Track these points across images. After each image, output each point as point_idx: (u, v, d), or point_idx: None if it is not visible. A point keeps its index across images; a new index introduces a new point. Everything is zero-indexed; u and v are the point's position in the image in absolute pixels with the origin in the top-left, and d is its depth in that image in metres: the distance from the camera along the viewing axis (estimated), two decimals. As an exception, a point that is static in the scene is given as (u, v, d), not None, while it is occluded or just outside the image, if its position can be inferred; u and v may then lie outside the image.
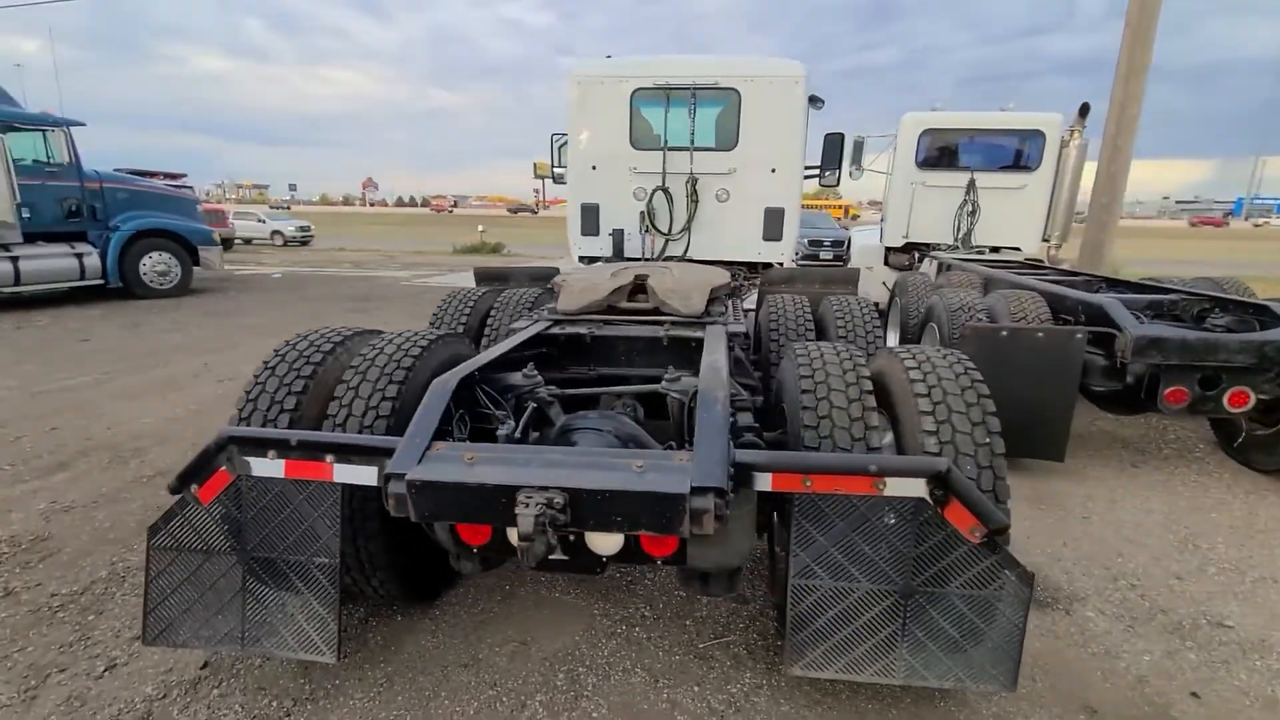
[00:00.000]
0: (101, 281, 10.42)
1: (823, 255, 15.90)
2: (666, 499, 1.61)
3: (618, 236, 6.28)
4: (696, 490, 1.62)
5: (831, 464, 1.80)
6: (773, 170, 6.04)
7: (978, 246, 8.14)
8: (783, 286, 5.03)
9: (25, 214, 9.50)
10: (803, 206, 6.80)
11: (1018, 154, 8.15)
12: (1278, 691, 2.31)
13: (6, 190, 9.17)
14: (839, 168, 6.73)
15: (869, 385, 2.19)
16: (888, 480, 1.77)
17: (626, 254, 6.35)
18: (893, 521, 1.81)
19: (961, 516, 1.76)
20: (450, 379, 2.08)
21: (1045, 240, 8.30)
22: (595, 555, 1.87)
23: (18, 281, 9.48)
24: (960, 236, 8.15)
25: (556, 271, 4.80)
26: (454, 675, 2.29)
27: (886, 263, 9.04)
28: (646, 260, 6.26)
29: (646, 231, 6.27)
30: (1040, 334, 3.87)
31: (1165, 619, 2.73)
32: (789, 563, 1.89)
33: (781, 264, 6.23)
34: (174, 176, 25.87)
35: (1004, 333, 3.90)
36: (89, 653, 2.37)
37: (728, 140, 6.11)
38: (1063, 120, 7.90)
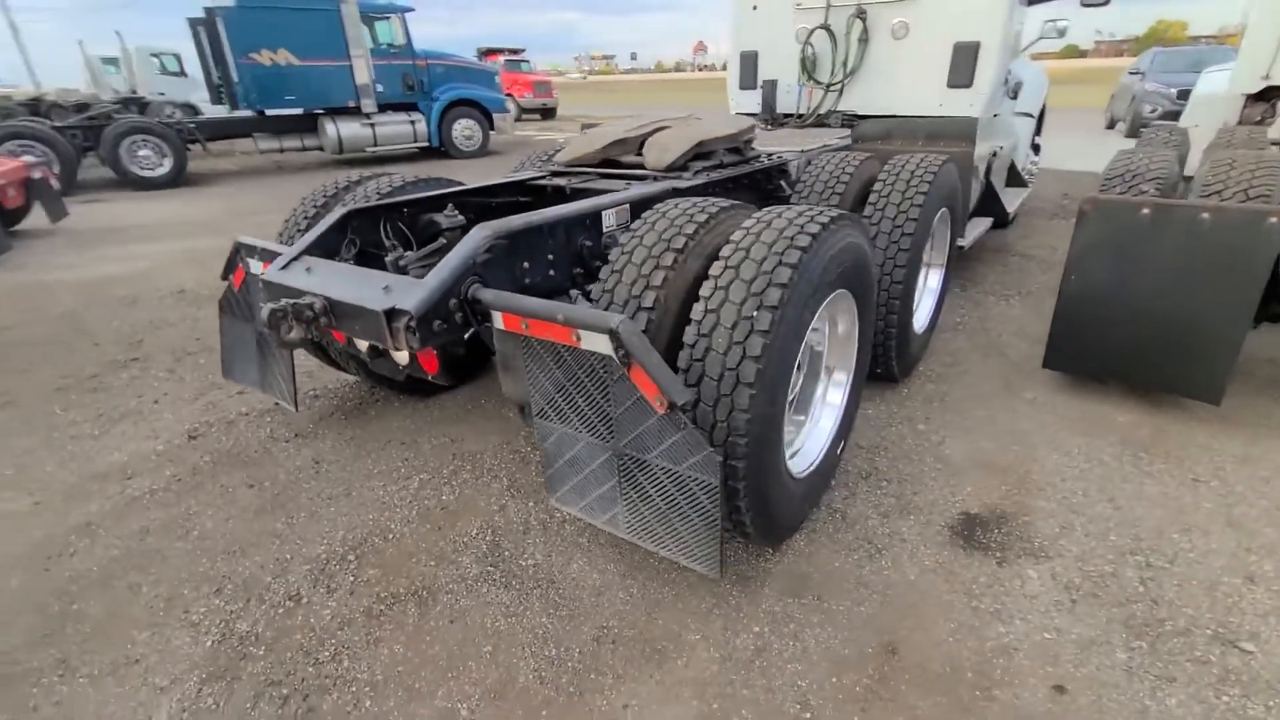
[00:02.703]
0: (427, 144, 13.28)
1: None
2: (372, 314, 1.88)
3: (768, 90, 5.65)
4: (391, 312, 1.85)
5: (535, 310, 1.81)
6: None
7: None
8: (877, 142, 4.09)
9: (379, 88, 12.42)
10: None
11: None
12: (1201, 729, 1.64)
13: (367, 70, 12.06)
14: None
15: (679, 244, 1.98)
16: (580, 333, 1.72)
17: (780, 109, 5.73)
18: (590, 376, 1.78)
19: (645, 382, 1.65)
20: (351, 208, 2.54)
21: None
22: (394, 363, 2.24)
23: (375, 143, 12.70)
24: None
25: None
26: (393, 449, 2.99)
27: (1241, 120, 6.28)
28: (760, 117, 5.59)
29: (804, 83, 5.53)
30: (1206, 214, 2.62)
31: (1125, 611, 2.01)
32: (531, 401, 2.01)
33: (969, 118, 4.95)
34: (515, 52, 30.05)
35: (1144, 210, 2.74)
36: (181, 389, 3.66)
37: None
38: None
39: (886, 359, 3.11)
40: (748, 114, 6.03)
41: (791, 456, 2.27)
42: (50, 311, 5.09)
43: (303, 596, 2.15)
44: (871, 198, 3.00)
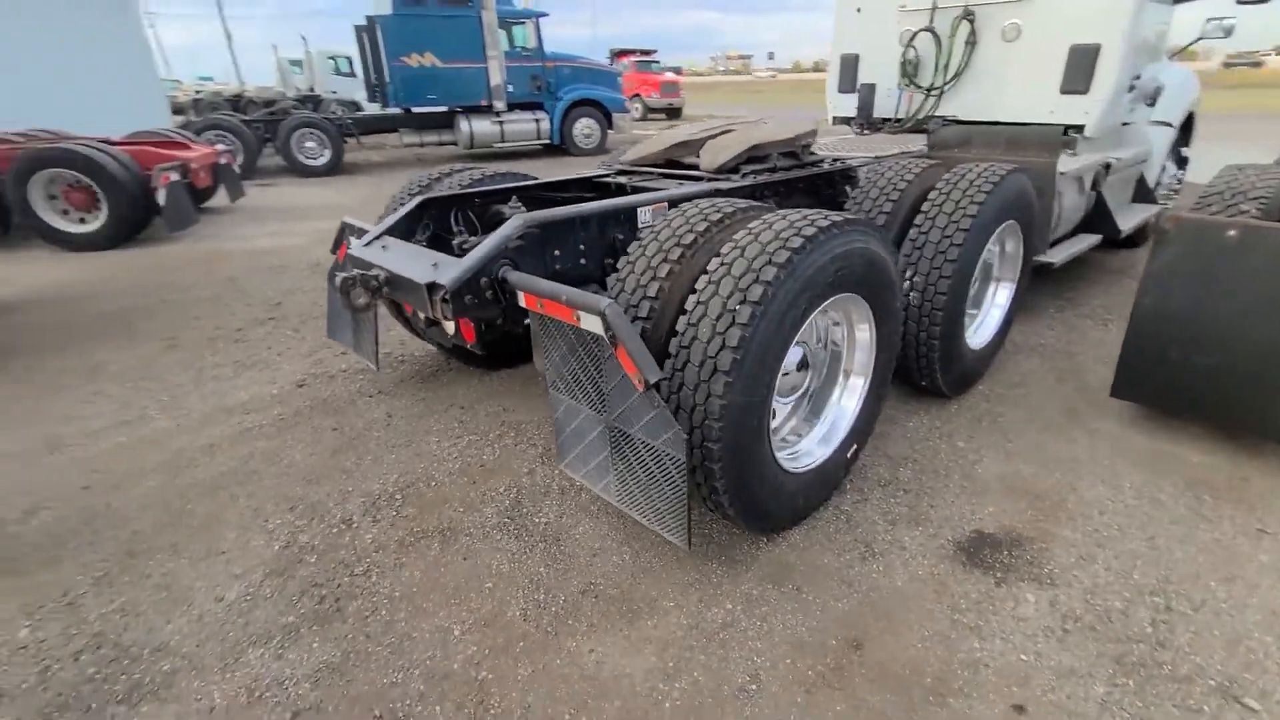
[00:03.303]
0: (549, 141, 14.06)
1: None
2: (417, 286, 2.21)
3: (864, 94, 5.52)
4: (431, 285, 2.17)
5: (546, 291, 2.04)
6: None
7: None
8: (955, 149, 3.87)
9: (509, 88, 13.34)
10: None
11: None
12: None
13: (500, 71, 13.00)
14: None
15: (688, 240, 2.14)
16: (580, 313, 1.94)
17: (876, 114, 5.59)
18: (588, 354, 1.99)
19: (627, 362, 1.84)
20: (426, 197, 2.93)
21: None
22: (444, 332, 2.58)
23: (502, 140, 13.64)
24: None
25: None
26: (453, 411, 3.38)
27: None
28: (856, 122, 5.43)
29: (904, 87, 5.36)
30: (1302, 239, 2.35)
31: (1121, 648, 1.91)
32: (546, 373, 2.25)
33: (1082, 127, 4.59)
34: (646, 53, 30.76)
35: (1231, 232, 2.49)
36: (301, 345, 4.23)
37: None
38: None
39: (929, 372, 3.05)
40: (845, 119, 5.97)
41: (789, 451, 2.35)
42: (220, 274, 6.09)
43: (354, 522, 2.55)
44: (925, 206, 2.94)
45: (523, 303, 2.19)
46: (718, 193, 2.89)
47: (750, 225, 2.07)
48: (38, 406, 3.56)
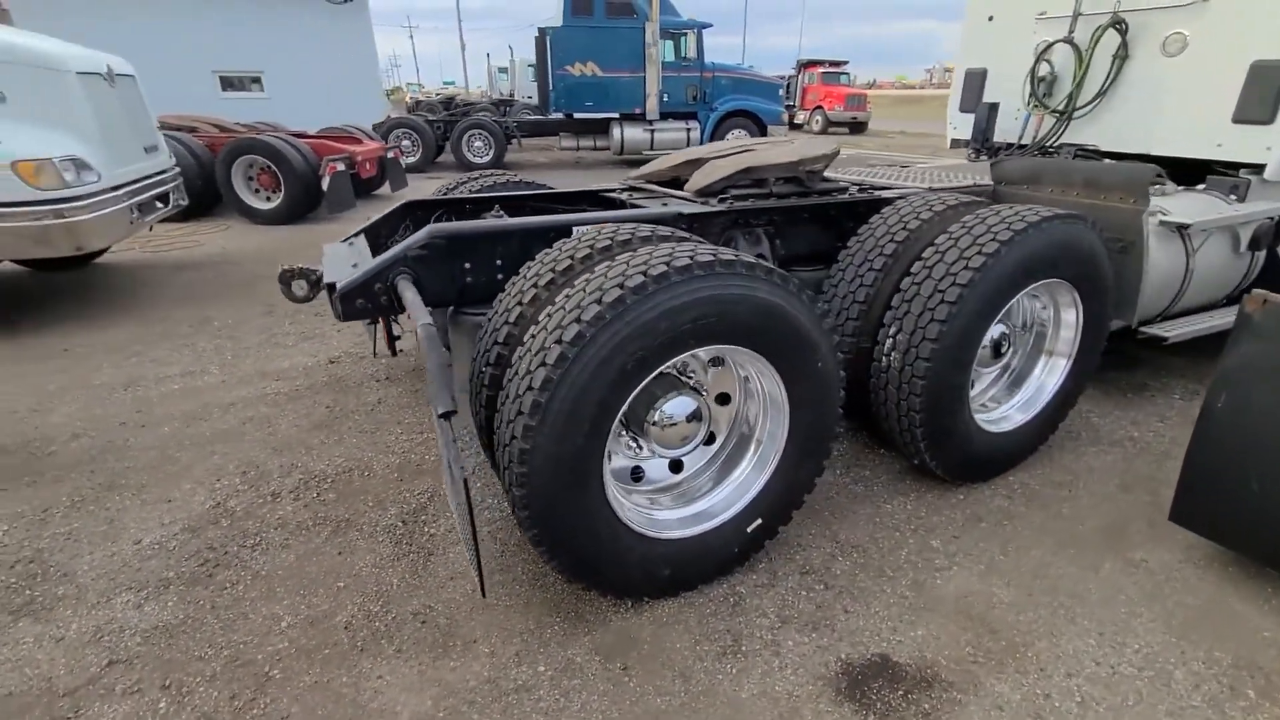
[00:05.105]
0: (698, 151, 14.04)
1: None
2: (328, 286, 2.30)
3: (981, 114, 4.72)
4: (330, 286, 2.25)
5: (406, 305, 2.01)
6: None
7: None
8: (1024, 186, 3.06)
9: (664, 98, 13.54)
10: None
11: None
12: None
13: (656, 81, 13.24)
14: None
15: (563, 266, 1.98)
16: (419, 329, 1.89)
17: (997, 137, 4.77)
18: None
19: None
20: (409, 201, 3.04)
21: None
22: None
23: (651, 147, 13.88)
24: None
25: None
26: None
27: None
28: (971, 146, 4.60)
29: (1031, 107, 4.51)
30: None
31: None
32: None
33: (1263, 166, 3.51)
34: (835, 64, 29.47)
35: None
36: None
37: None
38: None
39: (913, 449, 2.54)
40: (964, 141, 5.21)
41: (645, 517, 2.08)
42: (346, 254, 6.92)
43: (280, 496, 2.73)
44: (926, 253, 2.42)
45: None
46: (681, 217, 2.65)
47: (601, 268, 1.85)
48: (144, 349, 4.30)
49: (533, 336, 1.79)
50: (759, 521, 2.19)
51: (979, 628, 2.06)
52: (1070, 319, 2.74)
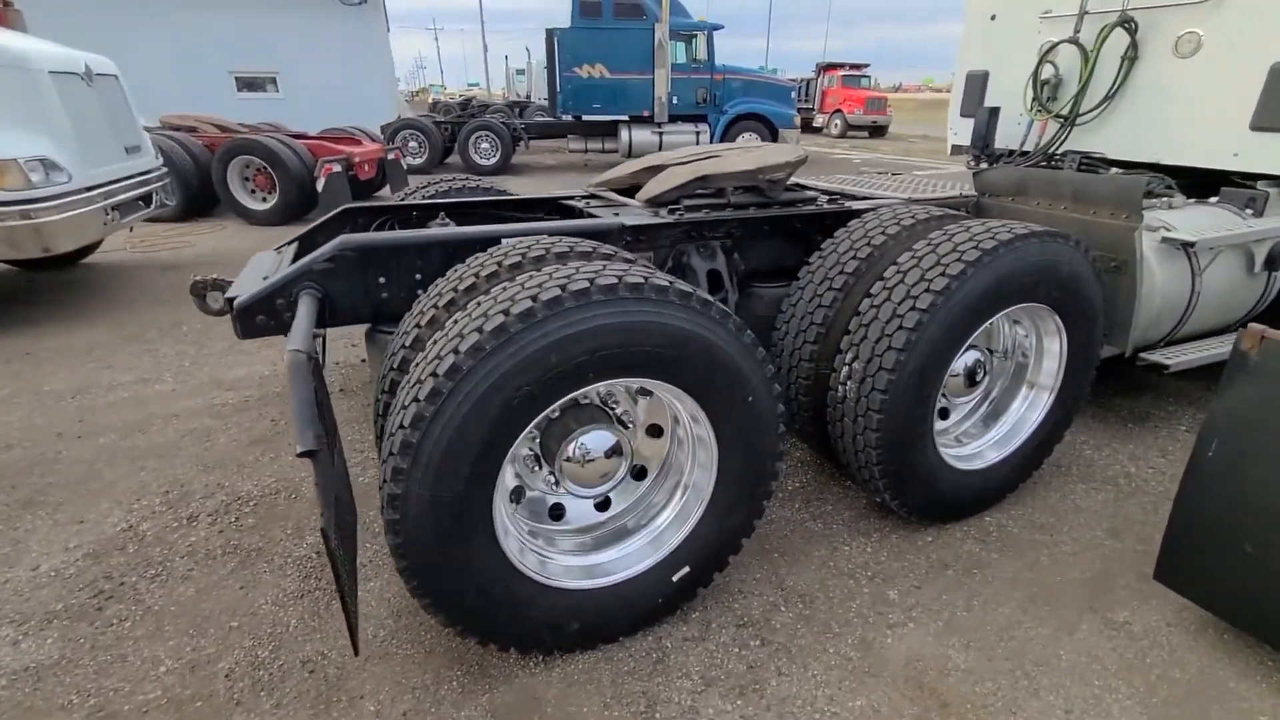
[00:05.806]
0: (707, 154, 13.81)
1: None
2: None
3: (980, 120, 4.43)
4: (230, 300, 2.08)
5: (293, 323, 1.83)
6: None
7: None
8: (1009, 199, 2.79)
9: (674, 100, 13.33)
10: None
11: None
12: None
13: (665, 83, 13.04)
14: None
15: (468, 284, 1.79)
16: (298, 355, 1.71)
17: (998, 144, 4.48)
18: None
19: (303, 419, 1.57)
20: (348, 207, 2.88)
21: None
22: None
23: (660, 149, 13.68)
24: None
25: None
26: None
27: None
28: (970, 153, 4.32)
29: (1034, 112, 4.22)
30: None
31: None
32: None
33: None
34: (856, 67, 29.04)
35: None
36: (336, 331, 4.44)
37: None
38: None
39: (873, 486, 2.30)
40: (964, 148, 4.93)
41: (547, 565, 1.88)
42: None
43: (197, 521, 2.58)
44: (888, 273, 2.19)
45: (309, 331, 2.01)
46: (623, 229, 2.44)
47: (496, 291, 1.65)
48: (106, 354, 4.21)
49: (417, 365, 1.61)
50: (686, 570, 1.98)
51: (928, 700, 1.83)
52: (1054, 348, 2.48)
